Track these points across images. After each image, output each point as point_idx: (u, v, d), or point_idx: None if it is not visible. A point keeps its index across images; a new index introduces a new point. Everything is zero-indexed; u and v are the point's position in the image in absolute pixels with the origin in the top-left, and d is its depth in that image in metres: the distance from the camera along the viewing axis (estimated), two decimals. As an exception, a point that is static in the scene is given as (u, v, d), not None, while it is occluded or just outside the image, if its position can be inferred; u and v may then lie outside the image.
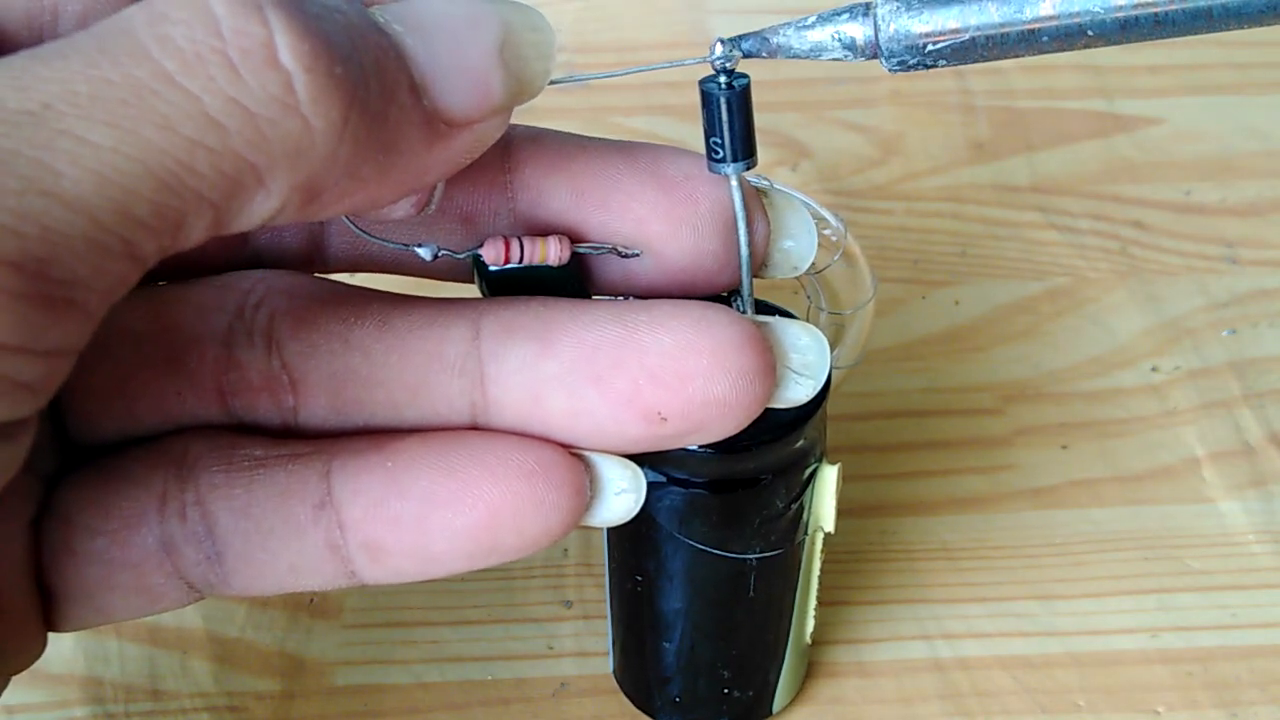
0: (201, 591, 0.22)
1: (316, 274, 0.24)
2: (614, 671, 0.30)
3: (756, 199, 0.23)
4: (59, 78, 0.17)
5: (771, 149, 0.44)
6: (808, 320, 0.26)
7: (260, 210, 0.18)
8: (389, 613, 0.33)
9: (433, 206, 0.22)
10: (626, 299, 0.23)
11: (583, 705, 0.31)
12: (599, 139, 0.23)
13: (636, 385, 0.21)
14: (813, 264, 0.23)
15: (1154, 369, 0.38)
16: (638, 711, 0.30)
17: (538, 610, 0.33)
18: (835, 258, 0.30)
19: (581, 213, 0.22)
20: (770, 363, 0.21)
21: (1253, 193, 0.43)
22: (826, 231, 0.30)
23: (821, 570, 0.28)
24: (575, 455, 0.22)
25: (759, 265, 0.23)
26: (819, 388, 0.22)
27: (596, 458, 0.22)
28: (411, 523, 0.21)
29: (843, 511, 0.27)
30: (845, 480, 0.26)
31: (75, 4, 0.20)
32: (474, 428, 0.22)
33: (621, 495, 0.22)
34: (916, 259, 0.41)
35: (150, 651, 0.32)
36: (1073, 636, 0.32)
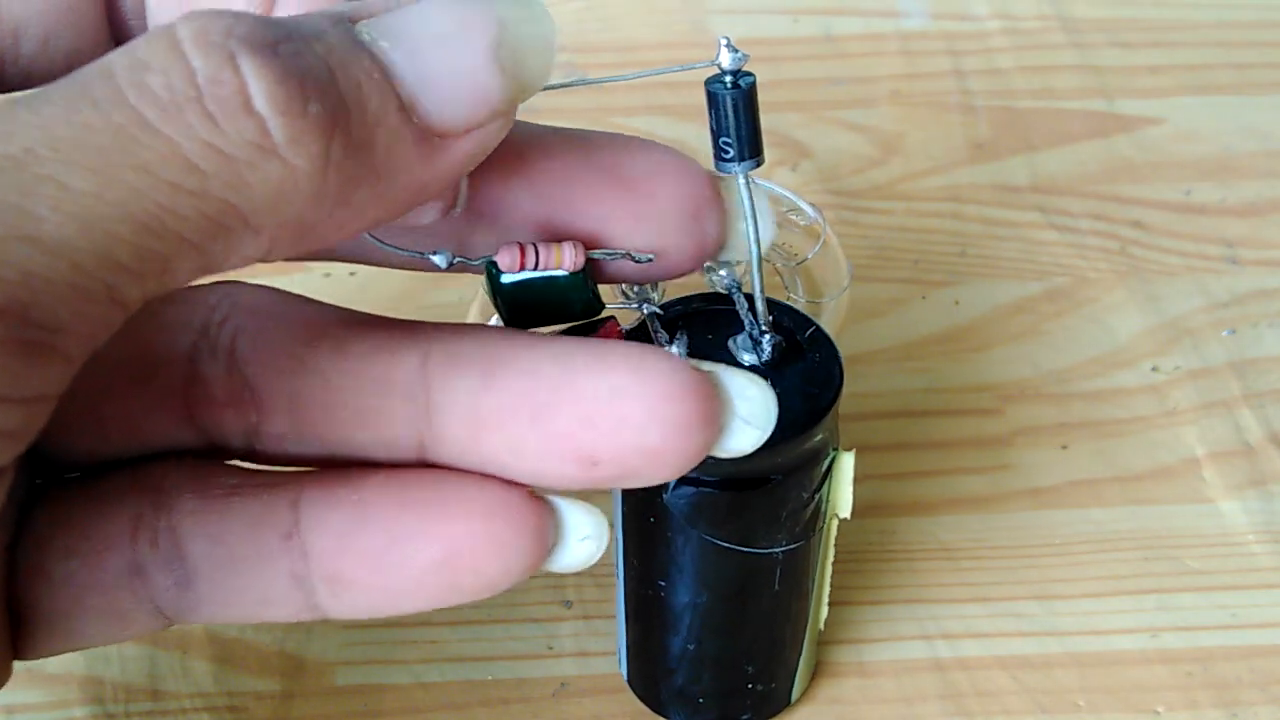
0: (170, 618, 0.22)
1: (282, 289, 0.24)
2: (627, 677, 0.30)
3: (714, 184, 0.23)
4: (41, 123, 0.17)
5: (771, 149, 0.44)
6: (785, 301, 0.26)
7: (250, 249, 0.18)
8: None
9: (459, 208, 0.22)
10: (576, 335, 0.23)
11: (583, 705, 0.31)
12: (560, 132, 0.22)
13: (570, 428, 0.21)
14: (794, 254, 0.23)
15: (1154, 369, 0.38)
16: (639, 711, 0.30)
17: (538, 610, 0.33)
18: (816, 248, 0.30)
19: (544, 213, 0.22)
20: (710, 412, 0.21)
21: (1253, 193, 0.43)
22: (804, 222, 0.30)
23: (836, 556, 0.28)
24: (539, 499, 0.22)
25: (718, 248, 0.23)
26: (765, 437, 0.22)
27: (562, 503, 0.22)
28: (371, 557, 0.21)
29: (843, 511, 0.27)
30: (845, 480, 0.27)
31: (36, 28, 0.21)
32: (422, 457, 0.22)
33: (585, 541, 0.22)
34: (916, 259, 0.41)
35: (150, 651, 0.32)
36: (1073, 636, 0.32)
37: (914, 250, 0.41)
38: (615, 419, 0.21)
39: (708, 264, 0.26)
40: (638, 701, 0.30)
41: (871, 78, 0.47)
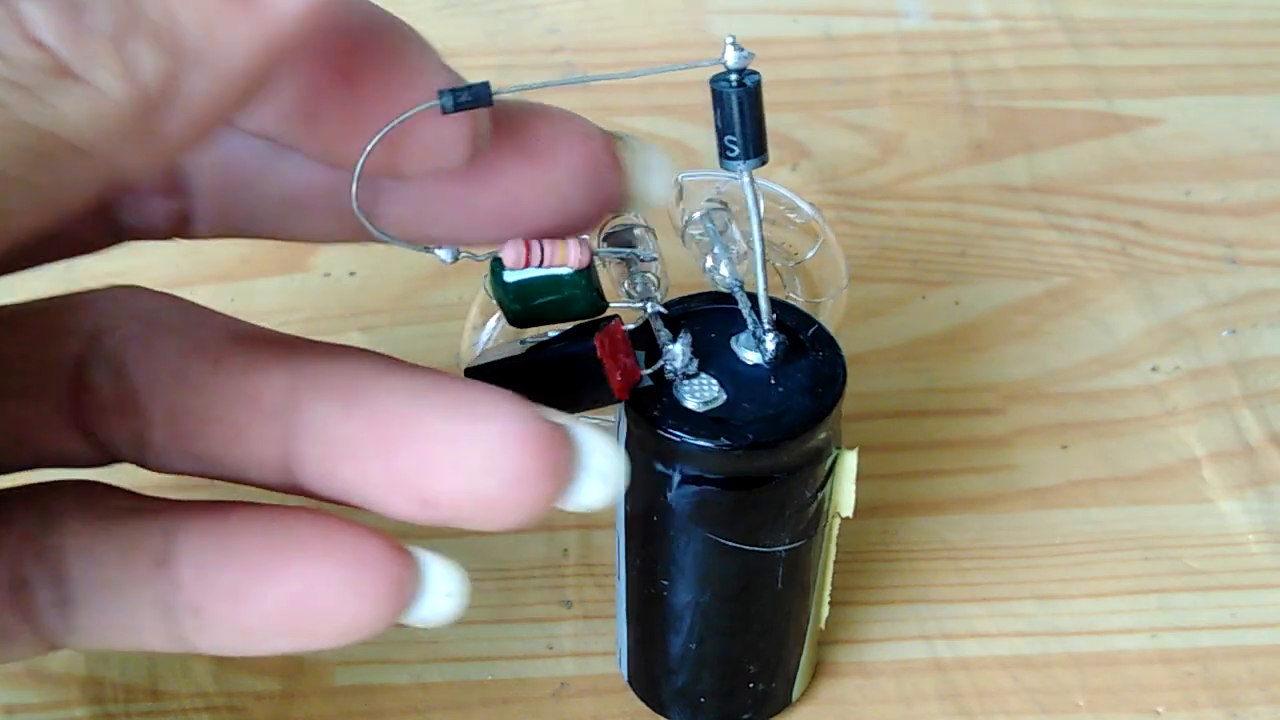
0: (50, 640, 0.22)
1: (174, 294, 0.24)
2: (628, 677, 0.30)
3: (610, 145, 0.23)
4: None
5: (771, 149, 0.44)
6: (786, 301, 0.26)
7: (90, 174, 0.18)
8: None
9: (485, 143, 0.21)
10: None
11: (583, 705, 0.31)
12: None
13: (408, 467, 0.21)
14: (793, 253, 0.23)
15: (1154, 369, 0.38)
16: (639, 711, 0.30)
17: (538, 610, 0.33)
18: (815, 247, 0.30)
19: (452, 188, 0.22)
20: (554, 465, 0.21)
21: (1253, 193, 0.43)
22: (801, 221, 0.30)
23: (836, 555, 0.28)
24: (401, 549, 0.21)
25: (619, 204, 0.23)
26: (613, 494, 0.22)
27: (426, 557, 0.22)
28: (227, 591, 0.21)
29: (843, 511, 0.27)
30: (846, 480, 0.27)
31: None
32: (292, 481, 0.22)
33: (447, 598, 0.22)
34: (916, 259, 0.41)
35: (150, 651, 0.32)
36: (1073, 636, 0.32)
37: (914, 250, 0.41)
38: (451, 464, 0.21)
39: (710, 267, 0.26)
40: (638, 701, 0.30)
41: (871, 78, 0.47)
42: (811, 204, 0.29)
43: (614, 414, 0.26)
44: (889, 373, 0.38)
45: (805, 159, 0.44)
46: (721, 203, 0.26)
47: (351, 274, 0.40)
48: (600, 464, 0.21)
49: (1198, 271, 0.41)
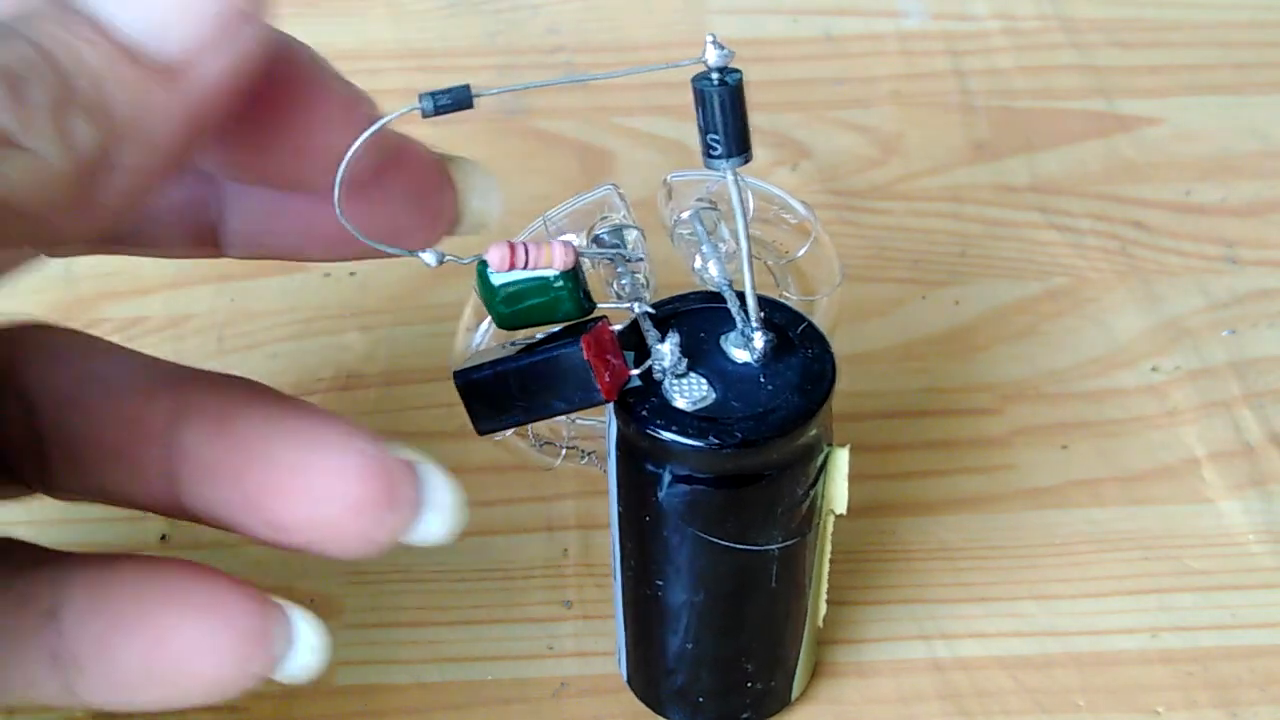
0: None
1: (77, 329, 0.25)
2: (626, 677, 0.30)
3: (443, 167, 0.24)
4: None
5: (771, 149, 0.44)
6: (778, 299, 0.26)
7: (34, 235, 0.19)
8: (389, 613, 0.33)
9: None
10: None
11: (583, 705, 0.31)
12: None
13: (259, 492, 0.21)
14: (785, 251, 0.23)
15: (1154, 369, 0.38)
16: (639, 711, 0.30)
17: (538, 610, 0.33)
18: (806, 245, 0.30)
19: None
20: (393, 497, 0.22)
21: (1252, 193, 0.43)
22: (794, 220, 0.30)
23: (832, 554, 0.28)
24: (269, 603, 0.22)
25: (452, 225, 0.24)
26: (451, 530, 0.22)
27: (294, 612, 0.22)
28: (99, 641, 0.22)
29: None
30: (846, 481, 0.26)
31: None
32: (176, 505, 0.22)
33: (315, 652, 0.22)
34: (916, 259, 0.41)
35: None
36: (1073, 636, 0.32)
37: (914, 250, 0.41)
38: (297, 490, 0.21)
39: (699, 266, 0.26)
40: (638, 701, 0.31)
41: (871, 78, 0.47)
42: (804, 203, 0.29)
43: (604, 415, 0.26)
44: (888, 373, 0.38)
45: (805, 159, 0.44)
46: (710, 202, 0.26)
47: (351, 274, 0.40)
48: (442, 499, 0.22)
49: (1198, 271, 0.41)
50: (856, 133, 0.45)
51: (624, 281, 0.25)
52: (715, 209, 0.26)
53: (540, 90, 0.46)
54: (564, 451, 0.28)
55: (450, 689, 0.31)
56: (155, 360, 0.24)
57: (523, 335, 0.25)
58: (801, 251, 0.25)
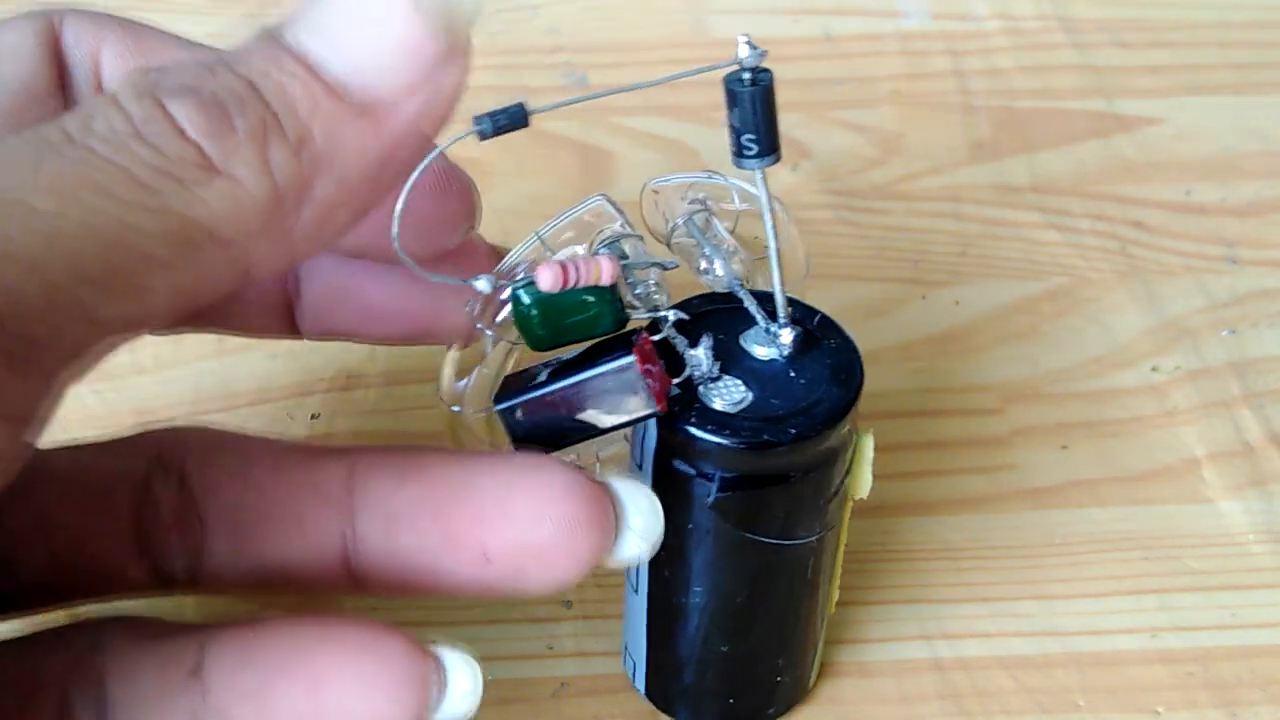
0: None
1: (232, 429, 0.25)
2: (645, 690, 0.30)
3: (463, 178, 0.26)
4: (4, 160, 0.18)
5: (771, 149, 0.44)
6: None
7: (225, 264, 0.19)
8: (389, 613, 0.32)
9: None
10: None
11: (583, 705, 0.31)
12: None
13: (464, 523, 0.22)
14: (763, 245, 0.24)
15: (1154, 369, 0.38)
16: (639, 711, 0.30)
17: (538, 610, 0.33)
18: (772, 241, 0.30)
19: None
20: (600, 516, 0.22)
21: (1253, 193, 0.43)
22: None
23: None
24: (422, 649, 0.22)
25: (471, 213, 0.26)
26: (652, 549, 0.23)
27: (447, 656, 0.22)
28: (252, 692, 0.21)
29: (843, 511, 0.27)
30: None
31: None
32: (348, 565, 0.23)
33: (465, 696, 0.22)
34: (916, 259, 0.41)
35: None
36: (1073, 636, 0.32)
37: (914, 250, 0.41)
38: (504, 514, 0.22)
39: (703, 267, 0.26)
40: (638, 701, 0.30)
41: (871, 78, 0.47)
42: (777, 199, 0.29)
43: (628, 434, 0.26)
44: (889, 373, 0.38)
45: (805, 159, 0.44)
46: (702, 203, 0.26)
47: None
48: (639, 522, 0.23)
49: (1198, 271, 0.41)
50: (856, 133, 0.45)
51: (637, 290, 0.25)
52: (706, 208, 0.26)
53: (540, 90, 0.46)
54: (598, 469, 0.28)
55: (450, 689, 0.31)
56: (306, 444, 0.24)
57: (527, 360, 0.25)
58: (771, 247, 0.25)
